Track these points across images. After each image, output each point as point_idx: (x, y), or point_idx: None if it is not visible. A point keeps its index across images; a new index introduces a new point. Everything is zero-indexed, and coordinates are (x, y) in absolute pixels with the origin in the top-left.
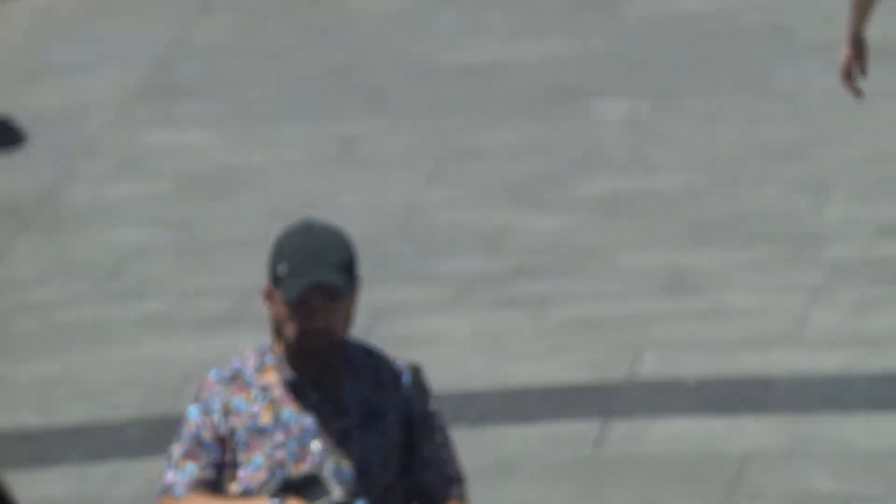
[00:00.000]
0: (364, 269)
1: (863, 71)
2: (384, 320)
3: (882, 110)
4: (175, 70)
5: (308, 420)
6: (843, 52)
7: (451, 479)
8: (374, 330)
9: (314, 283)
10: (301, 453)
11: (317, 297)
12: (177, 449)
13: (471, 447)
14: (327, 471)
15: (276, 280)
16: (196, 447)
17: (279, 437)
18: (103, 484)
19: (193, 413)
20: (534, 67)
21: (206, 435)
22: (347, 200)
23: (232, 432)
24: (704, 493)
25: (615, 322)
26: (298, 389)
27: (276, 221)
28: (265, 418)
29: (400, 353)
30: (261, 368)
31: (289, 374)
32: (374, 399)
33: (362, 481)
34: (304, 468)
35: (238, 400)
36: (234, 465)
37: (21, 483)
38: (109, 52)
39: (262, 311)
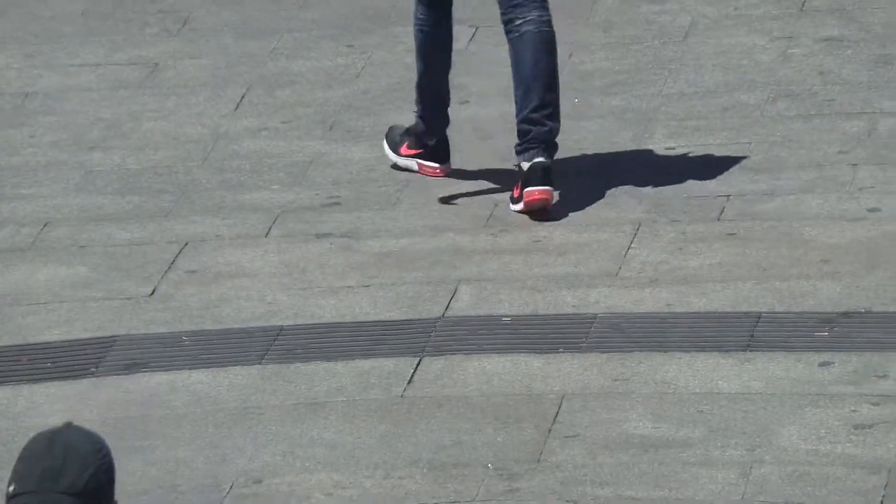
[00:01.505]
0: (168, 199)
1: None
2: (190, 253)
3: (644, 48)
4: None
5: None
6: None
7: None
8: (178, 263)
9: None
10: None
11: None
12: None
13: (279, 384)
14: None
15: (6, 494)
16: None
17: None
18: None
19: None
20: None
21: None
22: (149, 127)
23: None
24: (519, 434)
25: (430, 257)
26: None
27: (76, 149)
28: None
29: (207, 288)
30: None
31: None
32: None
33: None
34: None
35: None
36: None
37: None
38: None
39: (60, 242)
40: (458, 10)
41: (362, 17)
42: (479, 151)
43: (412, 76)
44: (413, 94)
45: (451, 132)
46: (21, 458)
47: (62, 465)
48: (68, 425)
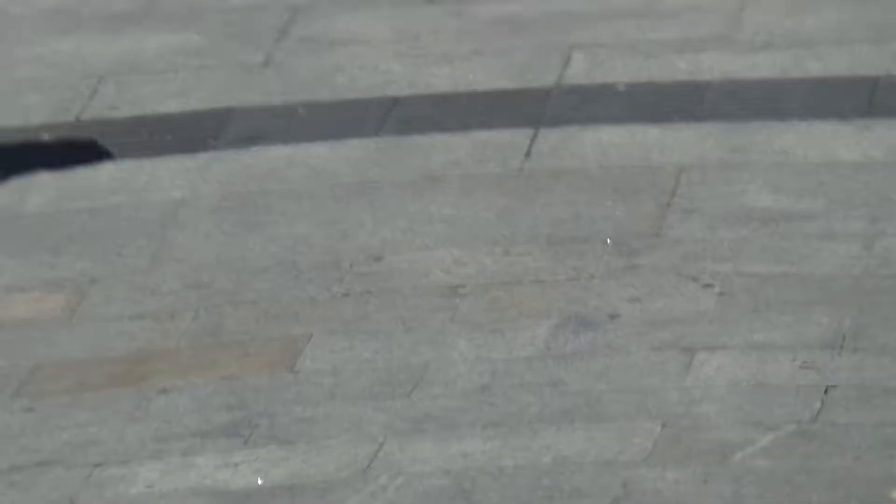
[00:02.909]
0: None
1: None
2: (301, 20)
3: None
4: None
5: None
6: None
7: None
8: (290, 30)
9: None
10: None
11: None
12: None
13: (397, 157)
14: None
15: None
16: None
17: None
18: (16, 196)
19: None
20: None
21: None
22: None
23: None
24: (638, 207)
25: (542, 22)
26: None
27: None
28: None
29: (318, 55)
30: None
31: None
32: None
33: None
34: None
35: None
36: None
37: None
38: None
39: (172, 9)
40: None
41: None
42: None
43: None
44: None
45: None
46: None
47: None
48: None
